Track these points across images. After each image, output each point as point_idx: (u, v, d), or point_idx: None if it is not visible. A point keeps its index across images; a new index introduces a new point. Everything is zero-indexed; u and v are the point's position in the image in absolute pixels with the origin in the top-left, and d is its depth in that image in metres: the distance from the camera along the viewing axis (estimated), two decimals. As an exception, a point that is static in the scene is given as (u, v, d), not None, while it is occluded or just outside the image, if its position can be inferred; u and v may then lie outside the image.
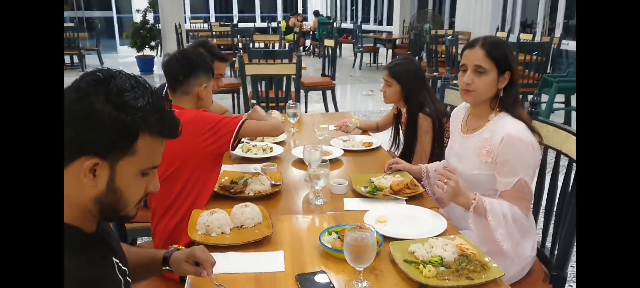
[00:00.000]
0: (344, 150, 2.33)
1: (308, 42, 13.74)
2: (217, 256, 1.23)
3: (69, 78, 0.90)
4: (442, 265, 1.29)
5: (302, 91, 5.76)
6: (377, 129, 2.80)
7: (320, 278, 1.25)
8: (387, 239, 1.42)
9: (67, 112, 0.83)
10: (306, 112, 5.40)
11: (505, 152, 1.60)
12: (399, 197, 1.77)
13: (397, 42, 10.60)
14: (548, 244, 1.85)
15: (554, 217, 1.82)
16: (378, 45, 11.28)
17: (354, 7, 14.74)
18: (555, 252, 1.75)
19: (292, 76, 3.74)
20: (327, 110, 5.90)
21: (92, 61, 10.33)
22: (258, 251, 1.40)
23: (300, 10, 16.08)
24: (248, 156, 2.23)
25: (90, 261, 0.90)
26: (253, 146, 2.30)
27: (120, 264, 1.00)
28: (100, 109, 0.85)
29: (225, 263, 1.30)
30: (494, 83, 1.65)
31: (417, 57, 7.64)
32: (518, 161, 1.59)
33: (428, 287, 1.21)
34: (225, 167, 2.03)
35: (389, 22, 12.74)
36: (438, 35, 7.45)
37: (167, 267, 1.22)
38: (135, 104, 0.87)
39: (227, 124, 1.76)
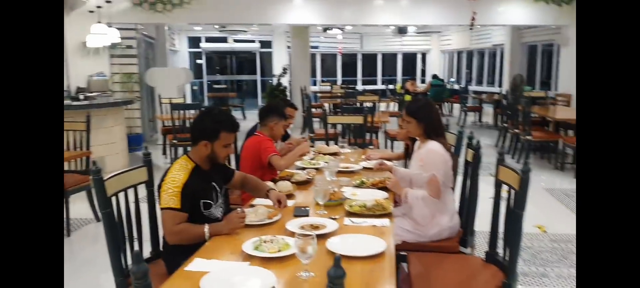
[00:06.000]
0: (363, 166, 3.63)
1: (422, 102, 14.94)
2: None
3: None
4: (364, 207, 2.54)
5: (388, 140, 7.10)
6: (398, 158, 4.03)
7: (304, 209, 2.59)
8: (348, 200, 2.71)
9: (200, 128, 2.37)
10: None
11: (425, 158, 2.82)
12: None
13: (503, 102, 11.36)
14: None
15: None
16: (484, 105, 12.07)
17: (468, 70, 15.69)
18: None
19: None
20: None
21: (236, 114, 12.82)
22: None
23: (419, 74, 17.48)
24: (300, 165, 3.63)
25: (199, 179, 2.37)
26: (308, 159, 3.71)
27: (216, 186, 2.47)
28: (208, 123, 2.38)
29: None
30: (416, 126, 2.89)
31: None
32: (431, 164, 2.78)
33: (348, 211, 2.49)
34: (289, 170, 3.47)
35: (500, 84, 13.46)
36: (523, 96, 8.22)
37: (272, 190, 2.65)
38: (221, 119, 2.39)
39: (267, 149, 3.33)
